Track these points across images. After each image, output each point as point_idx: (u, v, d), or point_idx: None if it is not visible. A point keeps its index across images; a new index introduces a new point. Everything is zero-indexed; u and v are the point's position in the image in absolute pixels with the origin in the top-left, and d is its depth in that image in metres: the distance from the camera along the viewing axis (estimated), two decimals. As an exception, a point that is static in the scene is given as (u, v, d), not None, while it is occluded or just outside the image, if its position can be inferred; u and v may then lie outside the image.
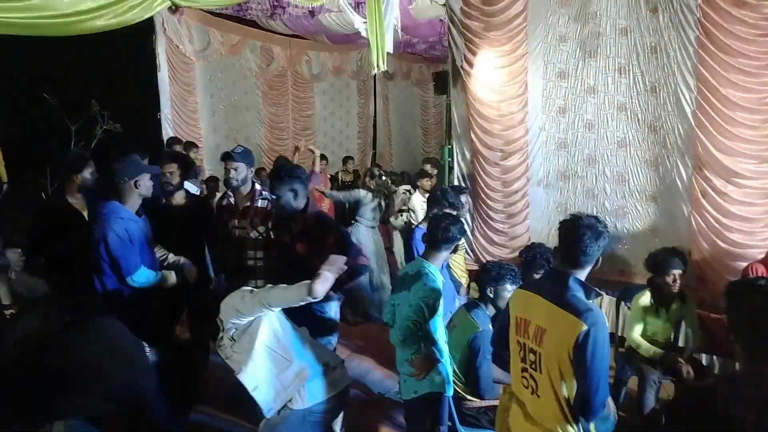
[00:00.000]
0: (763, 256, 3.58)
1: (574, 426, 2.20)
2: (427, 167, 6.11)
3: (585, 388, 2.10)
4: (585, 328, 2.06)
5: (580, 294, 2.18)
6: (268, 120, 9.59)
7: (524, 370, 2.34)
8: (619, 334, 4.37)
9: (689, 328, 3.66)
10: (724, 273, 4.16)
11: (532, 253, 3.66)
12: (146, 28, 7.16)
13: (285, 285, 2.60)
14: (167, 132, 7.65)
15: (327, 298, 3.46)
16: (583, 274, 2.23)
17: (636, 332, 4.07)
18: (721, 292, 3.64)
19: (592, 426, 2.24)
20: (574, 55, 4.89)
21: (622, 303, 4.34)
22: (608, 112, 4.75)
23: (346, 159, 9.47)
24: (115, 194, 3.29)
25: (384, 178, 6.85)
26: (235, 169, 3.63)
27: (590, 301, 2.19)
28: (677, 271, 3.66)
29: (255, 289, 2.68)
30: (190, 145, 7.31)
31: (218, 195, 4.17)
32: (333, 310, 3.54)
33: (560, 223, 2.30)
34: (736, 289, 1.90)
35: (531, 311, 2.32)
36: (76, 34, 3.32)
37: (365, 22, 4.66)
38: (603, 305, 5.43)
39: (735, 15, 3.90)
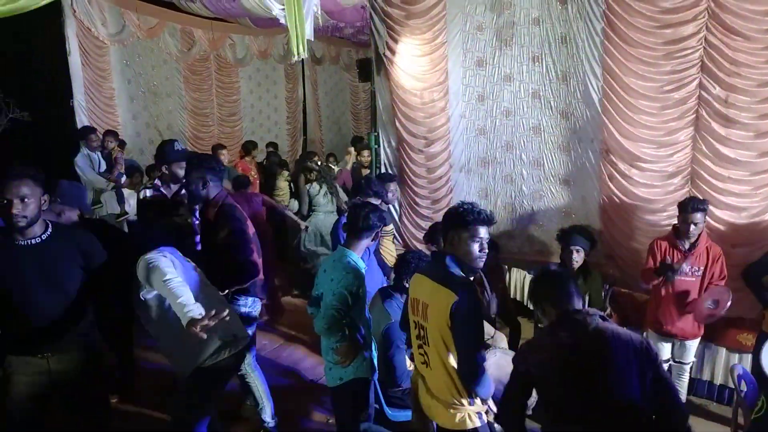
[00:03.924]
0: (666, 233, 3.87)
1: (467, 398, 2.46)
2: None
3: (461, 354, 2.38)
4: (457, 298, 2.33)
5: (455, 270, 2.46)
6: (191, 106, 9.26)
7: (420, 346, 2.60)
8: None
9: (592, 301, 3.95)
10: (630, 251, 4.48)
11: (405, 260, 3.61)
12: (54, 10, 6.72)
13: (182, 296, 2.58)
14: (81, 120, 7.25)
15: (245, 293, 3.52)
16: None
17: None
18: (628, 268, 3.97)
19: (477, 399, 2.48)
20: (491, 43, 5.03)
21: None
22: (524, 100, 4.94)
23: (269, 145, 9.38)
24: None
25: (319, 164, 6.87)
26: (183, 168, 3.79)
27: (468, 276, 2.47)
28: (576, 248, 3.92)
29: (165, 256, 2.74)
30: (110, 134, 6.99)
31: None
32: (249, 306, 3.59)
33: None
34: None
35: (419, 290, 2.59)
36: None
37: (283, 8, 4.59)
38: (526, 283, 5.73)
39: (635, 8, 4.14)
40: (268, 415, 3.69)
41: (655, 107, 4.23)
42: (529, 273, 5.50)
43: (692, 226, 3.62)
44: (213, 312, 2.45)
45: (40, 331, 2.57)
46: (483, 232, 2.47)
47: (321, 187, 6.22)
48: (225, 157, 7.19)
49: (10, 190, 2.41)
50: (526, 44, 4.87)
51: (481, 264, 2.53)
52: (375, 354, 3.25)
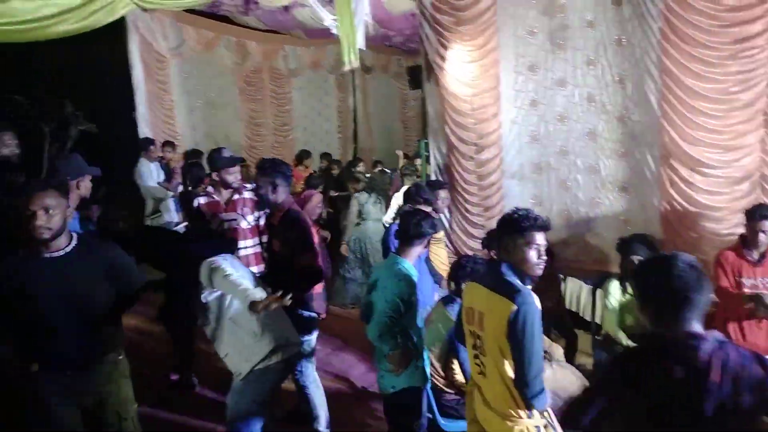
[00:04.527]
0: (733, 243, 3.68)
1: (524, 410, 2.37)
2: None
3: (519, 364, 2.30)
4: (515, 308, 2.26)
5: (511, 278, 2.39)
6: (246, 116, 9.55)
7: (476, 356, 2.55)
8: (596, 321, 4.46)
9: None
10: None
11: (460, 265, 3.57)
12: (118, 27, 7.08)
13: (243, 284, 2.75)
14: (143, 131, 7.59)
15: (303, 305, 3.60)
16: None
17: (608, 318, 4.21)
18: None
19: (535, 411, 2.39)
20: (543, 47, 4.94)
21: (598, 290, 4.45)
22: (578, 104, 4.82)
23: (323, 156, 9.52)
24: None
25: (368, 175, 6.93)
26: (238, 172, 4.06)
27: (525, 285, 2.39)
28: (637, 257, 3.78)
29: (227, 261, 2.88)
30: (168, 145, 7.29)
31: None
32: (306, 314, 3.63)
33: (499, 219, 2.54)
34: None
35: (474, 299, 2.54)
36: (37, 40, 3.30)
37: (335, 19, 4.66)
38: (582, 294, 5.57)
39: (696, 6, 3.97)
40: (322, 425, 3.71)
41: (720, 109, 4.04)
42: (585, 283, 5.34)
43: (761, 235, 3.43)
44: (279, 293, 2.52)
45: (65, 347, 2.48)
46: (540, 238, 2.41)
47: (370, 195, 6.27)
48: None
49: (35, 201, 2.34)
50: (580, 47, 4.76)
51: (539, 272, 2.47)
52: (428, 363, 3.22)
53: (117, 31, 7.11)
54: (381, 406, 3.76)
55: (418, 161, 7.05)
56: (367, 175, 6.71)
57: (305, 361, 3.57)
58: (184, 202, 5.19)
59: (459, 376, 3.41)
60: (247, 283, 2.75)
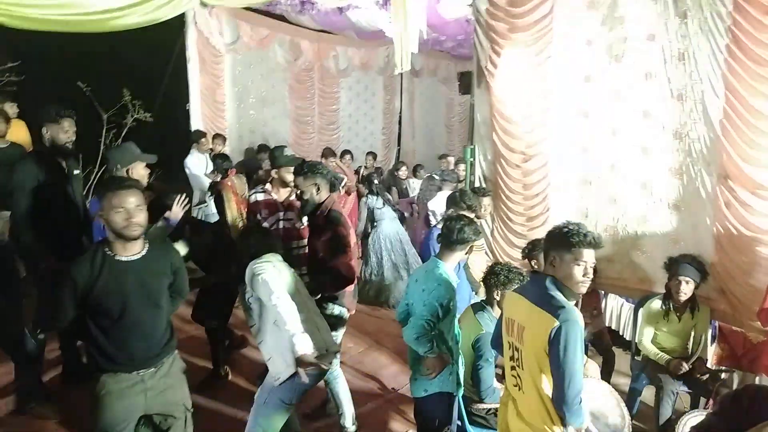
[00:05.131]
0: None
1: (560, 426, 2.33)
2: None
3: (558, 381, 2.26)
4: (557, 324, 2.22)
5: (555, 294, 2.34)
6: (294, 114, 9.68)
7: (513, 368, 2.52)
8: (636, 341, 4.33)
9: (697, 335, 3.66)
10: (746, 287, 4.10)
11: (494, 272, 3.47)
12: (178, 21, 7.30)
13: (290, 306, 2.84)
14: (194, 123, 7.80)
15: (334, 300, 3.63)
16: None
17: (646, 337, 4.10)
18: (741, 306, 3.57)
19: (571, 429, 2.33)
20: (599, 59, 4.82)
21: (640, 310, 4.33)
22: (633, 118, 4.68)
23: (369, 154, 9.57)
24: None
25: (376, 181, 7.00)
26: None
27: (569, 301, 2.34)
28: (686, 278, 3.66)
29: (274, 266, 2.95)
30: (218, 137, 7.48)
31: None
32: (338, 309, 3.67)
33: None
34: None
35: (515, 311, 2.51)
36: (106, 30, 3.45)
37: (390, 22, 4.69)
38: (623, 312, 5.42)
39: (766, 24, 3.81)
40: (348, 421, 3.73)
41: (785, 132, 3.85)
42: (627, 301, 5.20)
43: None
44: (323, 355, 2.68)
45: (138, 348, 2.54)
46: (588, 255, 2.36)
47: (377, 198, 6.58)
48: (332, 163, 7.47)
49: (126, 199, 2.42)
50: (639, 60, 4.62)
51: (584, 289, 2.42)
52: (462, 369, 3.19)
53: (176, 25, 7.35)
54: (410, 408, 3.77)
55: (461, 167, 7.02)
56: (375, 181, 6.83)
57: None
58: (211, 189, 5.30)
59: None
60: (293, 317, 2.78)
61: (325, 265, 3.43)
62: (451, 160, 8.45)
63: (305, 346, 2.73)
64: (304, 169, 3.57)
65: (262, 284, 2.85)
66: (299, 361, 2.72)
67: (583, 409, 2.30)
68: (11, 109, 5.29)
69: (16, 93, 6.10)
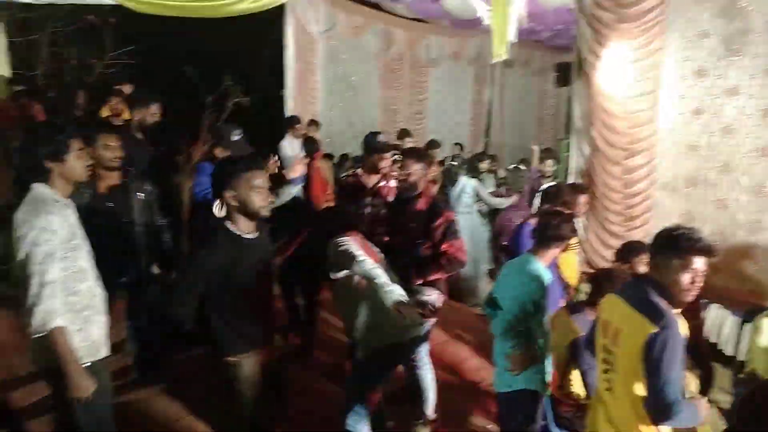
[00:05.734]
0: None
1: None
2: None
3: (652, 389, 2.17)
4: (655, 330, 2.13)
5: (656, 299, 2.22)
6: (383, 102, 9.76)
7: (605, 371, 2.44)
8: (739, 358, 4.04)
9: None
10: None
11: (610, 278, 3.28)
12: (277, 9, 7.55)
13: (375, 271, 2.74)
14: (289, 108, 8.05)
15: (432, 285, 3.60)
16: None
17: (757, 355, 3.79)
18: None
19: None
20: (715, 52, 4.52)
21: (747, 324, 4.02)
22: (750, 116, 4.35)
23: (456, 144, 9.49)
24: None
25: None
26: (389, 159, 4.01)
27: (671, 308, 2.21)
28: None
29: (354, 247, 2.88)
30: (312, 123, 7.71)
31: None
32: (434, 296, 3.64)
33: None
34: None
35: (612, 313, 2.43)
36: (219, 16, 3.63)
37: (489, 9, 4.59)
38: (726, 325, 5.05)
39: None
40: (429, 409, 3.73)
41: None
42: (732, 314, 4.84)
43: None
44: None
45: (263, 326, 2.55)
46: (698, 262, 2.19)
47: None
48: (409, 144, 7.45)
49: (264, 178, 2.40)
50: (760, 54, 4.28)
51: (690, 298, 2.26)
52: (549, 370, 3.10)
53: (276, 13, 7.60)
54: (488, 403, 3.73)
55: (548, 162, 6.75)
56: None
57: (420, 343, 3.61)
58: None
59: (575, 388, 3.25)
60: (382, 274, 2.74)
61: (436, 249, 3.42)
62: (536, 149, 8.17)
63: (399, 294, 2.67)
64: (421, 152, 3.59)
65: (346, 253, 2.84)
66: (396, 305, 2.61)
67: (676, 418, 2.17)
68: (128, 89, 5.68)
69: (130, 76, 6.56)
